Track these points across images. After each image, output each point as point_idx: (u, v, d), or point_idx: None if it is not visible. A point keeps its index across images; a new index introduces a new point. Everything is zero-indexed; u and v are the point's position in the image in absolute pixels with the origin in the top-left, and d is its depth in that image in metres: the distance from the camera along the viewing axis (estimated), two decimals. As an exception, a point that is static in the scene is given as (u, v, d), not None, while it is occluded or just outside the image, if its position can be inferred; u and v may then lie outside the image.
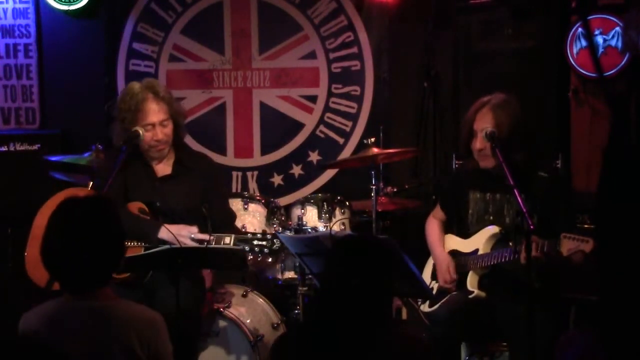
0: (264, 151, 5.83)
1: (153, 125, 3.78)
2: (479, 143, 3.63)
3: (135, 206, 3.79)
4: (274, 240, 3.61)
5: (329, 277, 2.43)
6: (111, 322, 2.48)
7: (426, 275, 3.89)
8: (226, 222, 3.98)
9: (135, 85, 3.86)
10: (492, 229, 3.64)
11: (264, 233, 3.66)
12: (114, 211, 2.62)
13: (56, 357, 1.99)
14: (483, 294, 3.63)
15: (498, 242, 3.64)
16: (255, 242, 3.61)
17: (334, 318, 2.32)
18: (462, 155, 3.92)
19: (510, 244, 3.54)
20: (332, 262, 2.45)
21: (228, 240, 3.64)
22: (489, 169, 3.65)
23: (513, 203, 3.62)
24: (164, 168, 3.92)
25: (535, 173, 3.62)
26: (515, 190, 3.26)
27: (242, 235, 3.66)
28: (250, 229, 4.38)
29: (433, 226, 3.94)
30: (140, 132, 3.75)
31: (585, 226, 4.19)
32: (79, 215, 2.53)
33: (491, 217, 3.70)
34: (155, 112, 3.79)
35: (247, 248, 3.62)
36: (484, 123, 3.59)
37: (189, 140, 5.71)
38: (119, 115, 3.83)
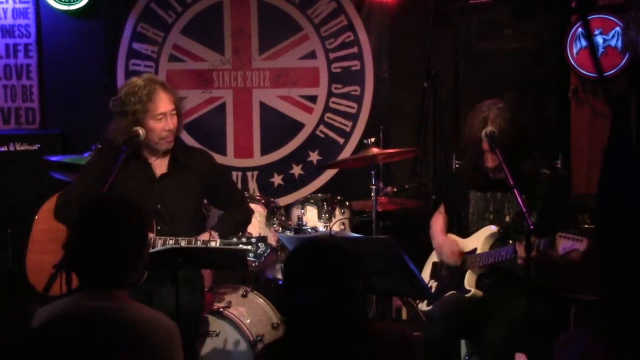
0: (264, 151, 5.84)
1: (164, 115, 3.78)
2: (491, 161, 3.59)
3: None
4: (259, 244, 3.58)
5: (292, 290, 2.36)
6: (123, 323, 2.47)
7: (425, 274, 3.89)
8: (239, 203, 4.03)
9: (139, 80, 3.84)
10: (491, 229, 3.65)
11: (249, 237, 3.63)
12: (142, 215, 2.64)
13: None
14: (480, 293, 3.64)
15: (497, 241, 3.65)
16: (241, 247, 3.59)
17: (309, 328, 2.29)
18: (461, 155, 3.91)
19: (510, 242, 3.55)
20: (290, 273, 2.38)
21: (214, 244, 3.63)
22: (488, 171, 3.64)
23: (513, 202, 3.62)
24: (161, 166, 3.91)
25: (539, 171, 3.62)
26: (515, 190, 3.26)
27: (227, 240, 3.64)
28: (250, 229, 4.37)
29: (438, 220, 3.94)
30: (141, 132, 3.75)
31: (585, 226, 4.19)
32: (110, 214, 2.55)
33: (491, 216, 3.70)
34: (165, 101, 3.80)
35: None
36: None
37: (189, 140, 5.74)
38: (125, 109, 3.77)
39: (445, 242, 3.79)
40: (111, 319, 2.47)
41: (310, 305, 2.26)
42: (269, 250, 3.62)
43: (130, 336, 2.43)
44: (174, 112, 3.83)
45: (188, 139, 5.80)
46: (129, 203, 2.70)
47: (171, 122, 3.81)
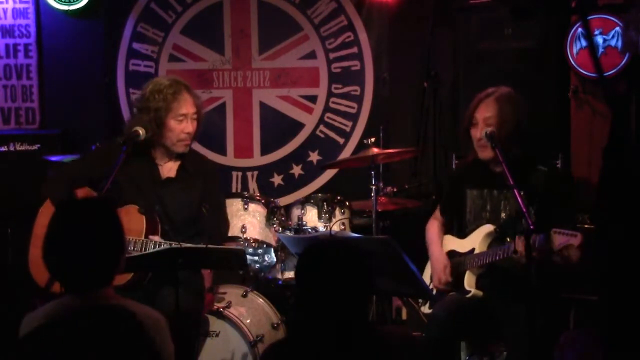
0: (264, 151, 5.83)
1: (186, 116, 3.82)
2: (479, 132, 3.64)
3: (130, 210, 3.77)
4: (266, 256, 3.59)
5: (302, 289, 2.37)
6: (111, 320, 2.47)
7: (426, 276, 3.89)
8: (220, 231, 3.99)
9: (165, 79, 3.92)
10: (488, 228, 3.65)
11: (255, 248, 3.62)
12: (114, 211, 2.63)
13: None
14: (480, 293, 3.64)
15: (494, 240, 3.65)
16: (247, 257, 3.59)
17: (313, 328, 2.29)
18: (461, 154, 3.92)
19: (508, 239, 3.55)
20: (300, 272, 2.39)
21: None
22: (487, 162, 3.66)
23: (510, 199, 3.63)
24: (169, 170, 3.92)
25: (534, 167, 3.63)
26: (515, 191, 3.26)
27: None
28: (250, 229, 4.38)
29: (433, 226, 3.95)
30: (141, 132, 3.75)
31: (586, 226, 4.19)
32: (79, 215, 2.54)
33: (488, 214, 3.71)
34: (189, 103, 3.84)
35: None
36: (487, 112, 3.63)
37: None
38: (149, 106, 3.80)
39: (438, 264, 3.76)
40: (99, 318, 2.47)
41: (316, 305, 2.27)
42: (274, 260, 3.61)
43: (120, 332, 2.43)
44: (195, 115, 3.87)
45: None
46: (100, 200, 2.69)
47: (191, 125, 3.85)
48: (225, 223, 4.09)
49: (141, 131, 3.75)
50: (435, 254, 3.81)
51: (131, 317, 2.22)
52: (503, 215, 3.67)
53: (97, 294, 2.52)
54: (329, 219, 4.52)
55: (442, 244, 3.85)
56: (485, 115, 3.63)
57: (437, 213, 4.00)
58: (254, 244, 3.67)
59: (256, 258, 3.58)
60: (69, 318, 2.31)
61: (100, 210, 2.58)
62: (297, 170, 5.80)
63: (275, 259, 3.60)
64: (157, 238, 3.68)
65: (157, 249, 3.57)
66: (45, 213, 3.94)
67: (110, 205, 2.66)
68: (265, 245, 3.67)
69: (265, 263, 3.57)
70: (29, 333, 2.39)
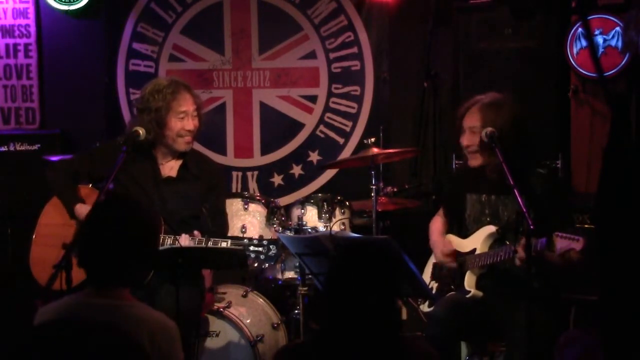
0: (264, 151, 5.83)
1: (186, 113, 3.86)
2: (465, 140, 3.68)
3: None
4: (270, 247, 3.60)
5: (335, 291, 2.37)
6: (122, 320, 2.47)
7: (426, 275, 3.89)
8: (218, 230, 3.99)
9: (163, 79, 3.98)
10: (490, 229, 3.65)
11: (260, 239, 3.64)
12: (154, 214, 2.66)
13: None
14: (480, 293, 3.63)
15: (495, 241, 3.65)
16: (252, 248, 3.61)
17: (343, 331, 2.29)
18: (461, 155, 3.92)
19: (508, 242, 3.55)
20: (337, 275, 2.39)
21: (225, 245, 3.64)
22: (479, 168, 3.66)
23: (508, 204, 3.63)
24: (170, 169, 3.94)
25: (533, 170, 3.63)
26: (516, 191, 3.26)
27: (238, 241, 3.65)
28: (250, 229, 4.38)
29: (436, 221, 3.96)
30: (141, 132, 3.76)
31: (586, 226, 4.19)
32: (122, 211, 2.57)
33: (487, 219, 3.70)
34: (189, 101, 3.90)
35: None
36: (471, 122, 3.63)
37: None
38: (149, 106, 3.84)
39: (438, 243, 3.80)
40: (109, 315, 2.47)
41: (352, 310, 2.27)
42: (280, 253, 3.63)
43: (132, 335, 2.42)
44: (195, 113, 3.92)
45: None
46: (141, 202, 2.73)
47: (192, 123, 3.89)
48: (225, 225, 4.09)
49: (141, 131, 3.77)
50: (435, 237, 3.84)
51: (112, 338, 2.21)
52: (503, 221, 3.66)
53: (113, 292, 2.53)
54: (329, 219, 4.52)
55: (444, 234, 3.86)
56: (470, 125, 3.65)
57: (442, 211, 4.01)
58: (258, 237, 3.71)
59: (260, 249, 3.59)
60: (53, 331, 2.30)
61: (146, 211, 2.63)
62: (297, 170, 5.80)
63: (280, 252, 3.62)
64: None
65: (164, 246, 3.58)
66: (48, 212, 3.96)
67: (154, 209, 2.69)
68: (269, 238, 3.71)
69: (270, 253, 3.58)
70: (29, 329, 2.39)
